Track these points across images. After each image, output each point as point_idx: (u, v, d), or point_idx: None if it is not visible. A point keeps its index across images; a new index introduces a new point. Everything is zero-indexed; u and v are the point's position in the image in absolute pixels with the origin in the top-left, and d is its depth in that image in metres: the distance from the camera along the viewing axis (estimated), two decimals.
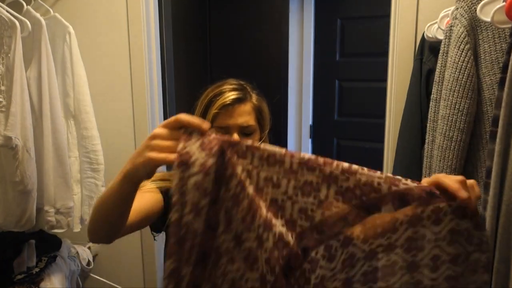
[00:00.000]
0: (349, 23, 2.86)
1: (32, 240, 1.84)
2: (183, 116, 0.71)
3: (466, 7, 1.14)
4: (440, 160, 1.22)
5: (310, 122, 3.14)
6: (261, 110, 1.13)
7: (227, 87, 1.09)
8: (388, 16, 1.80)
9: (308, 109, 3.12)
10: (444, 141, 1.21)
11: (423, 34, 1.61)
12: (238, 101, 1.07)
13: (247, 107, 1.09)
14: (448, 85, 1.20)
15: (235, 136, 1.06)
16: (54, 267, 1.86)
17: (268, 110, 1.16)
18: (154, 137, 0.76)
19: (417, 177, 1.56)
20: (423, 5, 1.67)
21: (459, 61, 1.15)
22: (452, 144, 1.19)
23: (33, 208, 1.64)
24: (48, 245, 1.93)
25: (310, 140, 3.16)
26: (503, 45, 1.09)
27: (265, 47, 3.09)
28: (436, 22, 1.51)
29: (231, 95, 1.06)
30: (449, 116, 1.19)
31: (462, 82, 1.15)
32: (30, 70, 1.68)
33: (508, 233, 0.67)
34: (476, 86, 1.15)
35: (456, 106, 1.17)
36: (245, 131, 1.08)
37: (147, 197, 1.03)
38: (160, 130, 0.75)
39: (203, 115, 1.07)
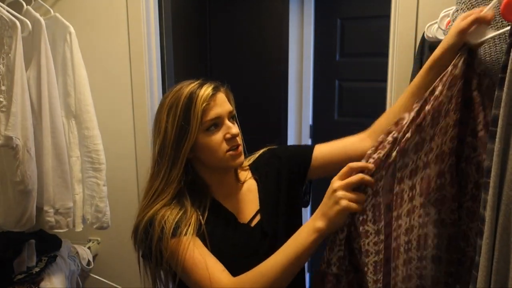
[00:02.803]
0: (349, 23, 2.86)
1: (32, 240, 1.84)
2: (353, 164, 0.87)
3: (466, 8, 1.15)
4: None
5: (310, 122, 3.14)
6: (229, 95, 1.12)
7: (193, 85, 1.05)
8: (388, 16, 1.80)
9: (308, 109, 3.12)
10: None
11: (423, 34, 1.61)
12: (216, 89, 1.06)
13: (223, 94, 1.08)
14: None
15: (227, 123, 1.05)
16: (54, 267, 1.86)
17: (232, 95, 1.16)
18: (336, 190, 0.86)
19: None
20: (423, 5, 1.68)
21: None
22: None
23: (33, 208, 1.64)
24: (48, 245, 1.93)
25: (310, 140, 3.16)
26: (503, 45, 1.09)
27: (265, 47, 3.09)
28: (436, 22, 1.51)
29: (208, 87, 1.04)
30: None
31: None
32: (29, 70, 1.68)
33: (507, 233, 0.67)
34: None
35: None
36: (231, 116, 1.08)
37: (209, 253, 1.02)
38: (339, 183, 0.87)
39: (186, 115, 1.02)
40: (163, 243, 1.00)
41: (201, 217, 1.05)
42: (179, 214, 1.03)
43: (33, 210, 1.64)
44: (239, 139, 1.07)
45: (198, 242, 1.01)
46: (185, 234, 1.00)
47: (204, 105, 1.01)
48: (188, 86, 1.05)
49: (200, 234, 1.03)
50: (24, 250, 1.80)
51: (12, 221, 1.65)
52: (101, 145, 1.86)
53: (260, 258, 0.98)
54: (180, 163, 1.04)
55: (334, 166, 1.11)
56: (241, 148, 1.08)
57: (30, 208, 1.63)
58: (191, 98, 1.02)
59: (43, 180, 1.70)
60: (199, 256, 0.97)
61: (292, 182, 1.19)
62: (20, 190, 1.59)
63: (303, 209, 1.26)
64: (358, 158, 0.91)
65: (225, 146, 1.05)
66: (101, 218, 1.87)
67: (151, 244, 1.01)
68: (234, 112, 1.10)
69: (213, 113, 1.03)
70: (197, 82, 1.06)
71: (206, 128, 1.03)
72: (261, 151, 1.27)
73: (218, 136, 1.04)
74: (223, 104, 1.06)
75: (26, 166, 1.57)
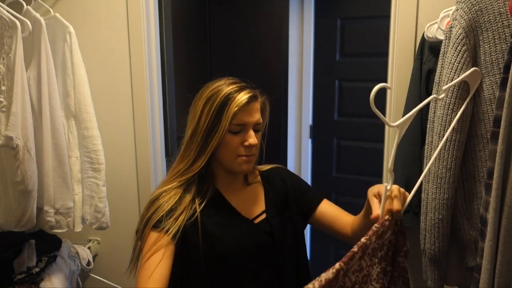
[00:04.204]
0: (349, 23, 2.85)
1: (32, 240, 1.84)
2: None
3: (466, 8, 1.14)
4: (436, 160, 1.24)
5: (310, 122, 3.13)
6: (265, 108, 1.19)
7: (235, 86, 1.11)
8: (388, 16, 1.80)
9: (308, 109, 3.11)
10: (439, 140, 1.22)
11: (423, 34, 1.61)
12: (253, 98, 1.11)
13: (258, 104, 1.14)
14: (443, 85, 1.20)
15: (251, 132, 1.11)
16: (54, 267, 1.86)
17: (269, 109, 1.22)
18: None
19: (417, 177, 1.57)
20: (423, 5, 1.68)
21: (455, 62, 1.17)
22: (447, 143, 1.20)
23: (33, 208, 1.64)
24: (48, 245, 1.93)
25: (310, 140, 3.16)
26: (503, 45, 1.09)
27: (265, 47, 3.09)
28: (436, 22, 1.51)
29: (246, 94, 1.10)
30: (443, 116, 1.20)
31: (458, 83, 1.16)
32: (29, 70, 1.68)
33: (510, 235, 0.67)
34: None
35: (450, 106, 1.19)
36: (256, 128, 1.14)
37: (165, 264, 1.03)
38: None
39: (219, 113, 1.09)
40: (146, 229, 1.08)
41: (197, 207, 1.12)
42: (175, 203, 1.10)
43: (33, 210, 1.64)
44: (255, 150, 1.14)
45: (169, 250, 1.04)
46: (166, 231, 1.05)
47: (236, 109, 1.08)
48: (229, 86, 1.11)
49: (193, 221, 1.10)
50: (24, 250, 1.80)
51: (13, 221, 1.65)
52: (100, 145, 1.86)
53: (262, 253, 1.13)
54: (206, 155, 1.11)
55: (324, 228, 1.26)
56: (253, 158, 1.15)
57: (31, 208, 1.63)
58: (228, 99, 1.09)
59: (43, 180, 1.70)
60: (153, 264, 1.02)
61: (300, 212, 1.27)
62: (21, 190, 1.59)
63: None
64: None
65: (240, 150, 1.12)
66: (100, 219, 1.86)
67: (141, 224, 1.11)
68: (261, 125, 1.16)
69: (241, 119, 1.10)
70: (238, 85, 1.12)
71: (231, 129, 1.10)
72: (274, 166, 1.35)
73: (237, 140, 1.11)
74: (252, 114, 1.12)
75: (26, 166, 1.57)
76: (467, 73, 1.05)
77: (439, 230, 1.26)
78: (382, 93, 1.87)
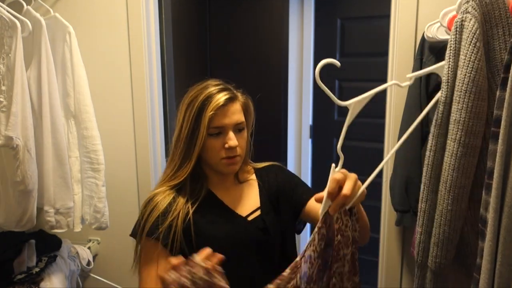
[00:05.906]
0: (349, 23, 2.85)
1: (32, 240, 1.84)
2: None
3: (477, 0, 1.01)
4: (454, 170, 1.02)
5: (310, 122, 3.13)
6: (247, 107, 1.19)
7: (214, 88, 1.12)
8: (388, 16, 1.80)
9: (308, 109, 3.11)
10: (459, 148, 1.01)
11: (423, 34, 1.61)
12: (230, 100, 1.11)
13: (237, 105, 1.13)
14: (462, 86, 1.00)
15: (231, 134, 1.11)
16: (54, 267, 1.86)
17: (253, 108, 1.21)
18: None
19: (417, 177, 1.57)
20: (423, 5, 1.68)
21: (475, 59, 0.97)
22: (469, 150, 1.00)
23: (33, 208, 1.64)
24: (48, 245, 1.93)
25: (310, 140, 3.16)
26: (501, 45, 1.03)
27: (265, 46, 3.08)
28: (436, 22, 1.51)
29: (222, 96, 1.10)
30: (464, 121, 0.99)
31: (479, 83, 0.97)
32: (30, 70, 1.68)
33: (510, 235, 0.66)
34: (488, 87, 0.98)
35: (473, 110, 0.97)
36: (238, 128, 1.14)
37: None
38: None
39: (198, 118, 1.09)
40: (143, 233, 1.11)
41: (190, 207, 1.13)
42: (169, 203, 1.13)
43: (33, 210, 1.64)
44: (238, 150, 1.13)
45: (163, 259, 1.07)
46: (162, 243, 1.08)
47: (212, 113, 1.08)
48: (210, 88, 1.11)
49: (187, 222, 1.11)
50: (24, 250, 1.80)
51: (13, 221, 1.65)
52: (100, 145, 1.86)
53: (257, 249, 1.14)
54: (190, 160, 1.12)
55: (313, 221, 1.22)
56: (238, 158, 1.14)
57: (31, 208, 1.63)
58: (205, 102, 1.09)
59: (44, 180, 1.70)
60: (150, 280, 1.07)
61: (291, 207, 1.26)
62: (21, 190, 1.59)
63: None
64: None
65: (222, 153, 1.12)
66: (99, 219, 1.86)
67: (139, 225, 1.14)
68: (244, 124, 1.15)
69: (218, 122, 1.10)
70: (218, 87, 1.12)
71: (210, 132, 1.10)
72: (270, 163, 1.35)
73: (218, 143, 1.11)
74: (231, 116, 1.11)
75: (26, 166, 1.57)
76: (437, 65, 0.96)
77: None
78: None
